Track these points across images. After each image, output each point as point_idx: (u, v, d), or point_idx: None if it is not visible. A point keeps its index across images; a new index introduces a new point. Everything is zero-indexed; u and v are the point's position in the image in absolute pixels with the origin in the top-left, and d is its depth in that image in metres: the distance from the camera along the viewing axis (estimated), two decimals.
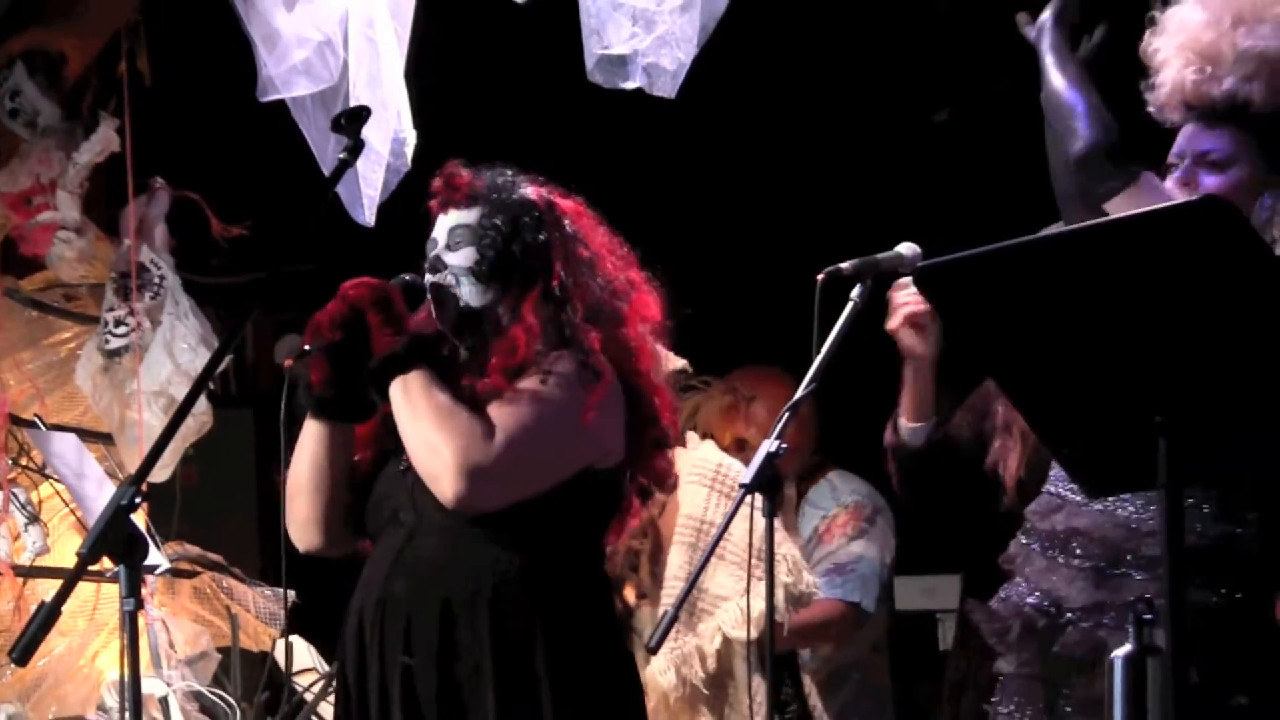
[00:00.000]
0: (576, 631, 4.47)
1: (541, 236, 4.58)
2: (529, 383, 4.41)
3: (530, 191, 4.65)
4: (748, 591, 5.34)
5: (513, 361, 4.45)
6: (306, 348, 4.53)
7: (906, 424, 5.22)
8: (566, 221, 4.64)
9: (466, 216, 4.60)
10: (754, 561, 5.92)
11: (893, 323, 5.13)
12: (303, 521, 4.68)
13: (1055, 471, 4.56)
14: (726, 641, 6.07)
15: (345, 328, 4.49)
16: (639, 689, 4.72)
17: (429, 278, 4.61)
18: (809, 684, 6.83)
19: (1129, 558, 4.37)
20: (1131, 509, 4.36)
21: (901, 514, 7.16)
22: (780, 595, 6.36)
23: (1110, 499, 4.35)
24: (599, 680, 4.49)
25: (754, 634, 6.16)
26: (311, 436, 4.63)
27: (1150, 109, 4.70)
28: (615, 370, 4.50)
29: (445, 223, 4.63)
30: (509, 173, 4.68)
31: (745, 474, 4.52)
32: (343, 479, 4.65)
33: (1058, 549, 4.47)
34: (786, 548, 6.23)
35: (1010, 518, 5.13)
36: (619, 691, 4.58)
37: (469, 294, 4.58)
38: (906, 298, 5.10)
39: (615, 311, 4.58)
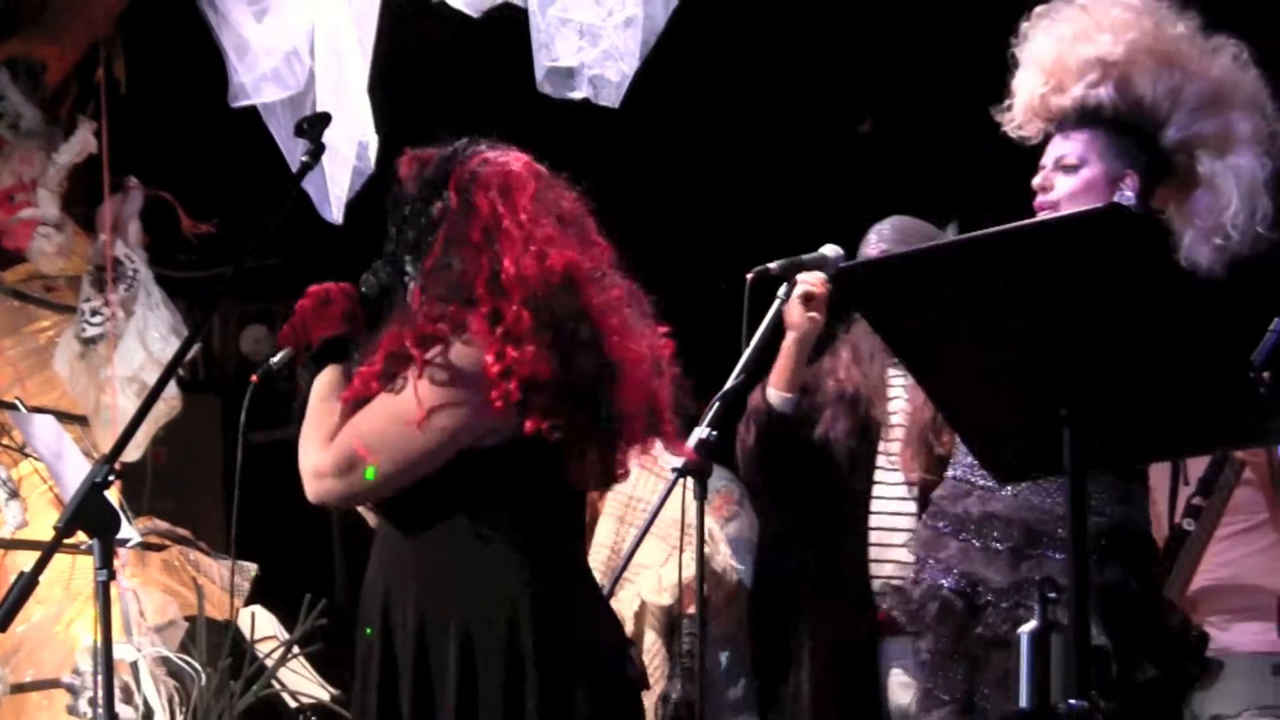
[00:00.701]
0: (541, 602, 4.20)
1: (437, 218, 4.28)
2: (394, 385, 4.17)
3: (461, 166, 4.31)
4: (682, 564, 5.36)
5: (375, 368, 4.22)
6: (271, 361, 4.46)
7: (777, 393, 5.23)
8: (476, 197, 4.26)
9: (406, 204, 4.36)
10: (676, 535, 5.97)
11: (794, 293, 5.13)
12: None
13: (960, 457, 4.56)
14: (644, 605, 6.10)
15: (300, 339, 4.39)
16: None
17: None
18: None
19: (1045, 540, 4.38)
20: (1044, 494, 4.38)
21: None
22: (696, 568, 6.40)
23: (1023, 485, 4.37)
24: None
25: (669, 601, 6.20)
26: (322, 378, 4.36)
27: (1008, 130, 4.72)
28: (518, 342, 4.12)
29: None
30: (462, 146, 4.37)
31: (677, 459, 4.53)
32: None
33: (971, 533, 4.47)
34: (712, 528, 6.27)
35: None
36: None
37: (378, 275, 4.40)
38: (810, 278, 5.12)
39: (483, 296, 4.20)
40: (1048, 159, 4.58)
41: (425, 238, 4.29)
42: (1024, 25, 4.68)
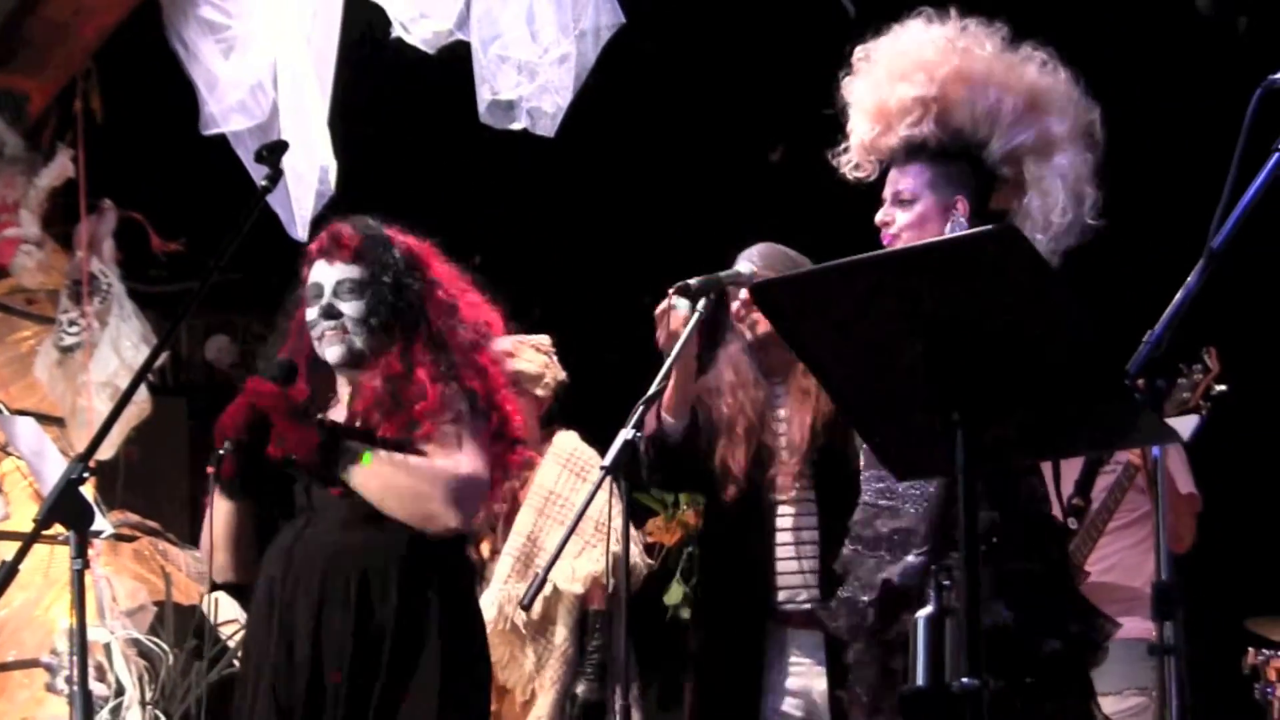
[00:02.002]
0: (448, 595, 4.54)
1: (416, 286, 4.61)
2: (452, 426, 4.51)
3: (400, 242, 4.66)
4: (607, 557, 5.33)
5: (429, 406, 4.49)
6: (220, 451, 4.50)
7: (668, 418, 5.20)
8: (430, 268, 4.67)
9: (352, 271, 4.58)
10: (595, 531, 5.95)
11: (662, 339, 5.13)
12: (220, 568, 4.73)
13: (867, 485, 4.52)
14: (556, 591, 6.08)
15: (250, 428, 4.48)
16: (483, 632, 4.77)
17: (324, 323, 4.60)
18: None
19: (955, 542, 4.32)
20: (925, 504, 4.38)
21: None
22: (608, 563, 6.39)
23: (917, 498, 4.36)
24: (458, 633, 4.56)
25: (580, 590, 6.18)
26: (224, 510, 4.64)
27: (846, 171, 4.71)
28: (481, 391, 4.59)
29: (331, 274, 4.61)
30: (377, 225, 4.68)
31: (605, 459, 4.52)
32: (252, 540, 4.69)
33: (884, 549, 4.45)
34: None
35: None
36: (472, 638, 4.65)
37: (360, 341, 4.58)
38: (675, 320, 5.10)
39: (474, 343, 4.63)
40: (887, 192, 4.60)
41: (410, 311, 4.61)
42: (844, 70, 4.68)
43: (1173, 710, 3.43)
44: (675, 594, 7.34)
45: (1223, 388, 5.61)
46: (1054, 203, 4.46)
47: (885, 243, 4.54)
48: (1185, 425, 5.14)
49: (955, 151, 4.53)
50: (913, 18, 4.60)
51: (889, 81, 4.54)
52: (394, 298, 4.57)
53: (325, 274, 4.62)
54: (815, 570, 5.23)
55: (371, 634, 4.43)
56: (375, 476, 4.46)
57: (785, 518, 5.29)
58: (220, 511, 4.64)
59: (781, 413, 5.36)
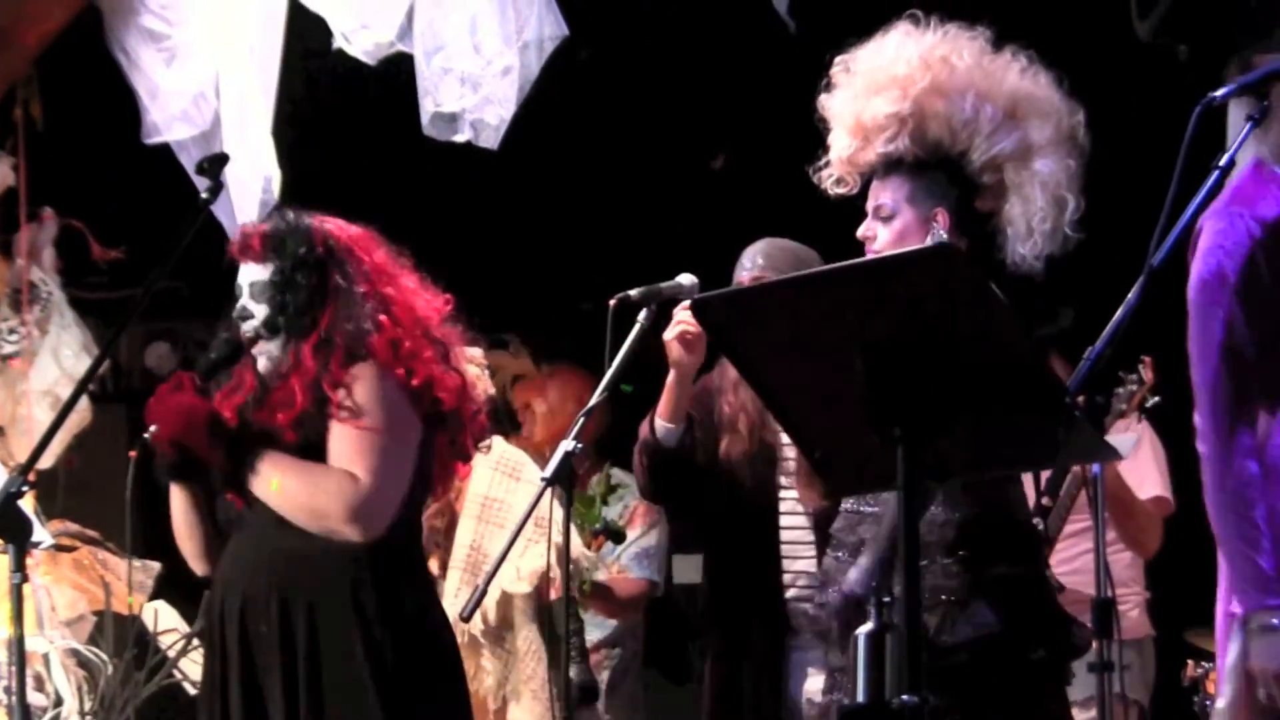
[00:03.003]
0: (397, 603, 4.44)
1: (315, 282, 4.46)
2: (351, 422, 4.35)
3: (312, 235, 4.51)
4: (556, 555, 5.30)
5: (293, 412, 4.38)
6: (146, 434, 4.44)
7: (662, 424, 5.17)
8: (343, 258, 4.50)
9: (262, 272, 4.49)
10: (535, 528, 5.89)
11: (669, 334, 5.11)
12: (191, 557, 4.66)
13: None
14: (506, 596, 6.05)
15: (177, 449, 4.43)
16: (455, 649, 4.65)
17: (243, 326, 4.52)
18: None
19: (930, 548, 4.29)
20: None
21: None
22: (553, 556, 6.37)
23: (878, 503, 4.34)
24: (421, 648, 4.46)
25: (528, 588, 6.16)
26: (174, 498, 4.60)
27: (826, 186, 4.66)
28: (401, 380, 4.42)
29: (246, 275, 4.52)
30: (292, 218, 4.56)
31: (547, 469, 4.50)
32: (209, 523, 4.61)
33: (861, 555, 4.43)
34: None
35: None
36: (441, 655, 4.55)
37: (274, 346, 4.48)
38: (684, 316, 5.08)
39: (387, 329, 4.44)
40: (869, 206, 4.58)
41: (313, 297, 4.45)
42: (823, 81, 4.66)
43: None
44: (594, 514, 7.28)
45: (1157, 399, 5.63)
46: (1034, 209, 4.43)
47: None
48: (1125, 442, 5.16)
49: (934, 163, 4.51)
50: (896, 24, 4.57)
51: (865, 96, 4.51)
52: (287, 298, 4.46)
53: (242, 274, 4.54)
54: (813, 572, 5.24)
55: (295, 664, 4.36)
56: (278, 494, 4.38)
57: (790, 516, 5.30)
58: (173, 501, 4.59)
59: None
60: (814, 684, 5.22)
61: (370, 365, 4.36)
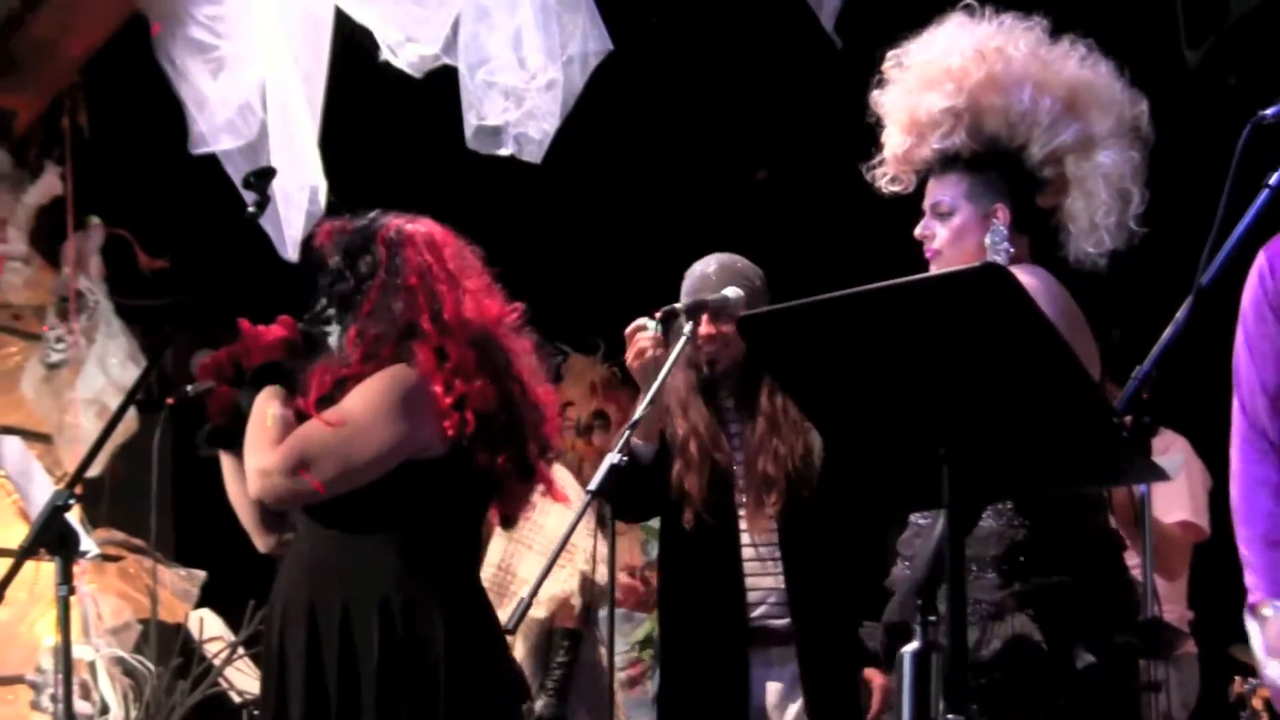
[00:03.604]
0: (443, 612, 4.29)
1: (365, 276, 4.40)
2: (342, 402, 4.27)
3: (375, 232, 4.44)
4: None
5: (315, 395, 4.31)
6: (189, 388, 4.46)
7: (637, 441, 5.11)
8: (395, 253, 4.40)
9: (328, 265, 4.46)
10: (563, 551, 5.85)
11: (631, 358, 5.09)
12: (252, 531, 4.59)
13: None
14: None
15: (224, 371, 4.46)
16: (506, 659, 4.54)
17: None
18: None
19: (978, 561, 4.27)
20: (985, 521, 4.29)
21: None
22: (577, 582, 6.35)
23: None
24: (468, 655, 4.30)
25: (544, 614, 6.15)
26: (224, 466, 4.55)
27: (881, 185, 4.59)
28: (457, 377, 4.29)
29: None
30: (370, 217, 4.50)
31: (592, 482, 4.48)
32: None
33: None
34: (598, 546, 6.17)
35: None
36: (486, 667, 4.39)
37: (331, 335, 4.45)
38: (643, 339, 5.06)
39: (432, 336, 4.33)
40: (926, 204, 4.50)
41: (357, 290, 4.35)
42: (877, 77, 4.59)
43: None
44: (642, 631, 7.27)
45: None
46: (1098, 203, 4.35)
47: (927, 256, 4.47)
48: (1172, 463, 5.13)
49: (992, 159, 4.42)
50: (950, 15, 4.50)
51: (919, 91, 4.42)
52: (338, 287, 4.43)
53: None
54: (776, 588, 5.21)
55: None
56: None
57: (748, 533, 5.26)
58: (226, 473, 4.54)
59: (734, 426, 5.33)
60: (773, 696, 5.21)
61: (396, 370, 4.29)
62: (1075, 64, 4.42)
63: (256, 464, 4.24)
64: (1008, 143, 4.41)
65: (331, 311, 4.44)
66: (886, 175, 4.57)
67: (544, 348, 4.57)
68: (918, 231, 4.49)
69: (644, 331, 5.06)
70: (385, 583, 4.26)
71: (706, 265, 5.33)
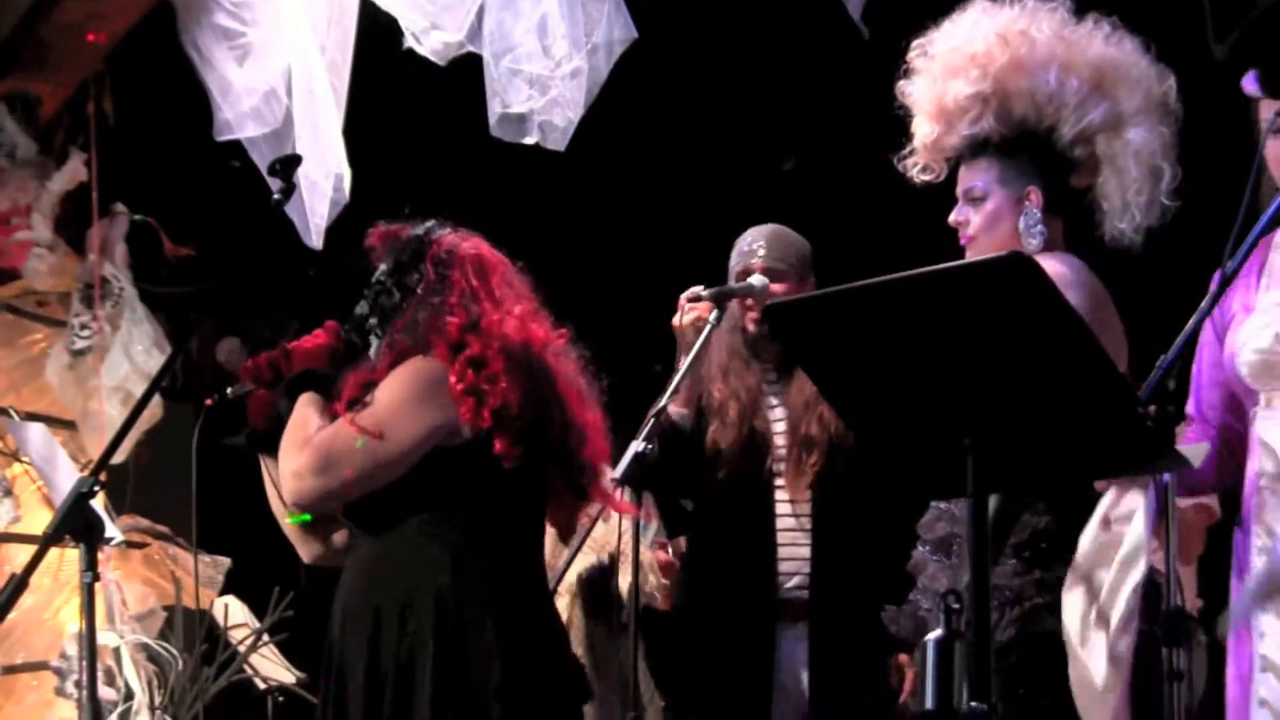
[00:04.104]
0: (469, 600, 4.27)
1: (409, 291, 4.42)
2: (349, 412, 4.29)
3: (426, 247, 4.46)
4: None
5: (345, 400, 4.34)
6: (229, 390, 4.48)
7: (676, 409, 5.15)
8: (444, 273, 4.42)
9: (378, 271, 4.49)
10: (587, 544, 5.86)
11: (679, 320, 5.11)
12: (293, 540, 4.61)
13: None
14: None
15: (263, 376, 4.46)
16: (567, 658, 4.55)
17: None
18: None
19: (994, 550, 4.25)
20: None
21: None
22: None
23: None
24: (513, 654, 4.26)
25: (566, 600, 6.17)
26: (266, 471, 4.55)
27: (912, 175, 4.62)
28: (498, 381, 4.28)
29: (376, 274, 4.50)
30: (427, 227, 4.51)
31: (617, 469, 4.49)
32: None
33: (943, 552, 4.38)
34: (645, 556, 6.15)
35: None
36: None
37: (369, 345, 4.46)
38: (695, 306, 5.08)
39: (454, 335, 4.33)
40: (959, 190, 4.52)
41: (399, 305, 4.38)
42: (903, 67, 4.60)
43: None
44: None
45: None
46: (1130, 180, 4.37)
47: (963, 243, 4.47)
48: (1197, 451, 5.11)
49: (1022, 142, 4.45)
50: (973, 2, 4.50)
51: (944, 79, 4.44)
52: (385, 299, 4.44)
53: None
54: (808, 559, 5.22)
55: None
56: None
57: (782, 504, 5.28)
58: (266, 480, 4.55)
59: (774, 399, 5.35)
60: (794, 675, 5.22)
61: (413, 361, 4.31)
62: (1100, 42, 4.43)
63: (288, 468, 4.28)
64: (1036, 125, 4.43)
65: (374, 321, 4.46)
66: (918, 165, 4.59)
67: (592, 368, 4.56)
68: (952, 219, 4.50)
69: (698, 300, 5.08)
70: (439, 575, 4.26)
71: (755, 239, 5.40)
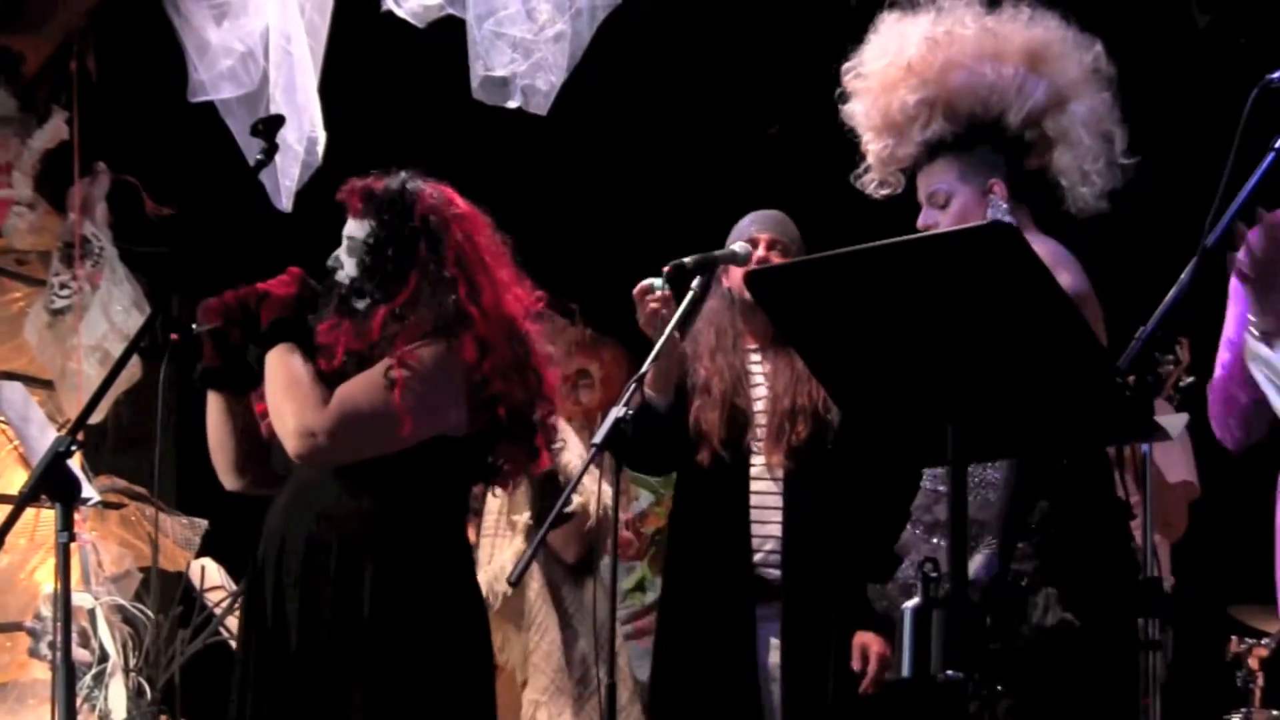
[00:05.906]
0: (420, 569, 4.34)
1: (404, 254, 4.41)
2: (376, 369, 4.28)
3: (413, 205, 4.44)
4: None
5: (329, 366, 4.34)
6: (194, 326, 4.48)
7: (651, 394, 5.18)
8: (437, 235, 4.42)
9: (358, 229, 4.45)
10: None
11: (641, 320, 5.12)
12: (220, 470, 4.62)
13: (930, 470, 4.46)
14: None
15: (232, 314, 4.45)
16: (481, 619, 4.54)
17: (334, 273, 4.49)
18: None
19: (989, 533, 4.28)
20: (988, 492, 4.32)
21: None
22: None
23: (976, 486, 4.29)
24: (439, 616, 4.34)
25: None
26: (210, 404, 4.58)
27: (870, 191, 4.70)
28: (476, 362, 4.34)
29: (349, 228, 4.48)
30: (402, 180, 4.48)
31: (597, 434, 4.50)
32: (242, 436, 4.56)
33: (938, 533, 4.40)
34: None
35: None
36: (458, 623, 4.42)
37: (358, 304, 4.45)
38: (652, 301, 5.08)
39: (479, 325, 4.36)
40: (921, 196, 4.58)
41: (399, 269, 4.40)
42: (838, 93, 4.66)
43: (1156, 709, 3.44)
44: (632, 579, 7.29)
45: (1192, 379, 5.63)
46: (1084, 151, 4.45)
47: None
48: (1175, 423, 5.16)
49: (975, 136, 4.52)
50: (884, 16, 4.58)
51: (886, 93, 4.52)
52: (378, 262, 4.43)
53: (347, 227, 4.50)
54: (779, 537, 5.24)
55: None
56: (267, 377, 4.35)
57: (759, 482, 5.30)
58: (210, 411, 4.58)
59: (758, 378, 5.37)
60: (774, 656, 5.24)
61: (443, 351, 4.32)
62: (1024, 26, 4.53)
63: (300, 424, 4.25)
64: (984, 117, 4.52)
65: (369, 285, 4.43)
66: (874, 181, 4.65)
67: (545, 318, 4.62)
68: (920, 222, 4.56)
69: (652, 292, 5.08)
70: (371, 525, 4.30)
71: (753, 219, 5.42)
